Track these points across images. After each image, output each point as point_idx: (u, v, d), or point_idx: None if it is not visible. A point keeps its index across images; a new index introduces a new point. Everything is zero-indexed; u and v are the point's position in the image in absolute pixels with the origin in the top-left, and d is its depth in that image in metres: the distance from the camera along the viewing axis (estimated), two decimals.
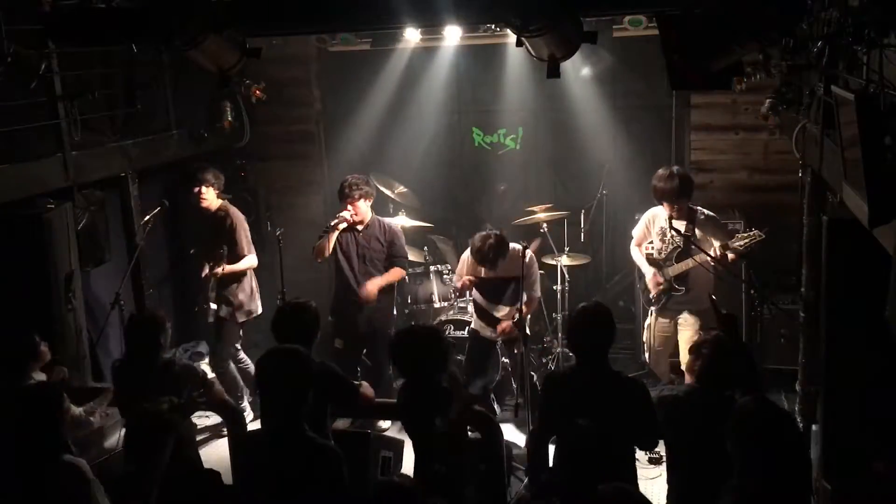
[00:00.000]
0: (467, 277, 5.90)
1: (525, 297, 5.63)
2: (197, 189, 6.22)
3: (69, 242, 5.66)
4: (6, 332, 4.63)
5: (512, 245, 5.71)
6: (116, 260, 6.38)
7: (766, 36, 3.66)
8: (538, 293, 5.99)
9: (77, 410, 4.61)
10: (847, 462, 4.38)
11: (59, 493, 3.49)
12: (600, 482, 2.95)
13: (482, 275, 5.85)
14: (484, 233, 5.71)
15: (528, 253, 5.65)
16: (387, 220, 6.43)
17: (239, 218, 6.35)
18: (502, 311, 5.89)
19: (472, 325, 6.23)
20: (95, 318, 6.16)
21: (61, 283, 5.55)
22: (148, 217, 6.18)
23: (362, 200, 6.04)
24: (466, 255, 5.89)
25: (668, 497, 3.99)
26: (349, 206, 6.02)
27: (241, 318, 6.34)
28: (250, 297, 6.40)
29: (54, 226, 5.48)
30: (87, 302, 6.02)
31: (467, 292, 6.13)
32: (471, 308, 6.30)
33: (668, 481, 4.00)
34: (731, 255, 5.50)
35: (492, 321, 5.97)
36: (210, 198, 6.29)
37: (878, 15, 3.07)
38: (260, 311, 6.45)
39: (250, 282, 6.42)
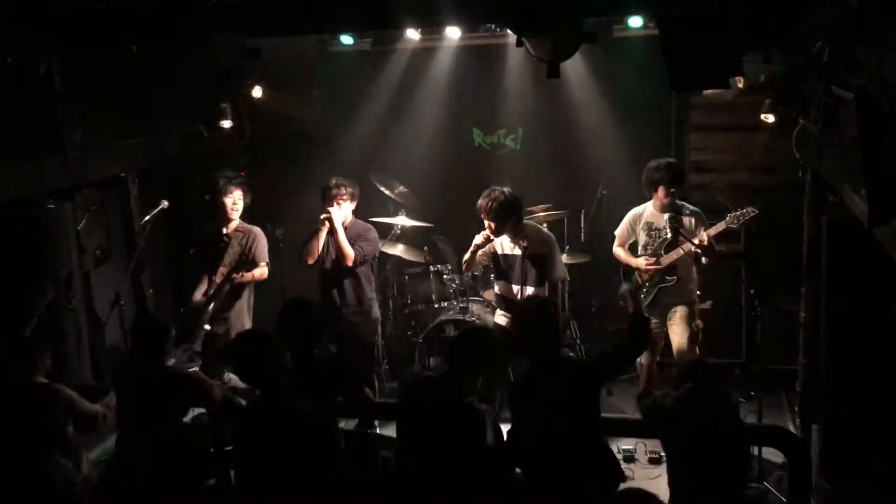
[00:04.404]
0: (484, 233, 5.68)
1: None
2: (229, 196, 6.00)
3: (69, 242, 5.67)
4: (14, 338, 4.62)
5: (532, 224, 5.76)
6: (116, 260, 6.38)
7: (765, 36, 3.67)
8: (559, 275, 5.80)
9: (95, 408, 4.55)
10: (847, 462, 4.39)
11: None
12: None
13: (493, 250, 5.79)
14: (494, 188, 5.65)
15: (547, 233, 5.70)
16: (363, 222, 6.28)
17: (258, 232, 6.15)
18: (516, 291, 5.71)
19: (496, 320, 6.05)
20: (96, 317, 6.15)
21: (61, 284, 5.56)
22: (148, 217, 6.16)
23: (346, 202, 6.03)
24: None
25: (671, 497, 3.99)
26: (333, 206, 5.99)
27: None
28: (246, 314, 6.17)
29: (54, 226, 5.48)
30: (88, 302, 6.01)
31: (480, 267, 5.96)
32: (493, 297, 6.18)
33: (669, 482, 4.00)
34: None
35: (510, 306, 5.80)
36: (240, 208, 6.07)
37: (877, 15, 3.08)
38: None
39: (248, 299, 6.21)
